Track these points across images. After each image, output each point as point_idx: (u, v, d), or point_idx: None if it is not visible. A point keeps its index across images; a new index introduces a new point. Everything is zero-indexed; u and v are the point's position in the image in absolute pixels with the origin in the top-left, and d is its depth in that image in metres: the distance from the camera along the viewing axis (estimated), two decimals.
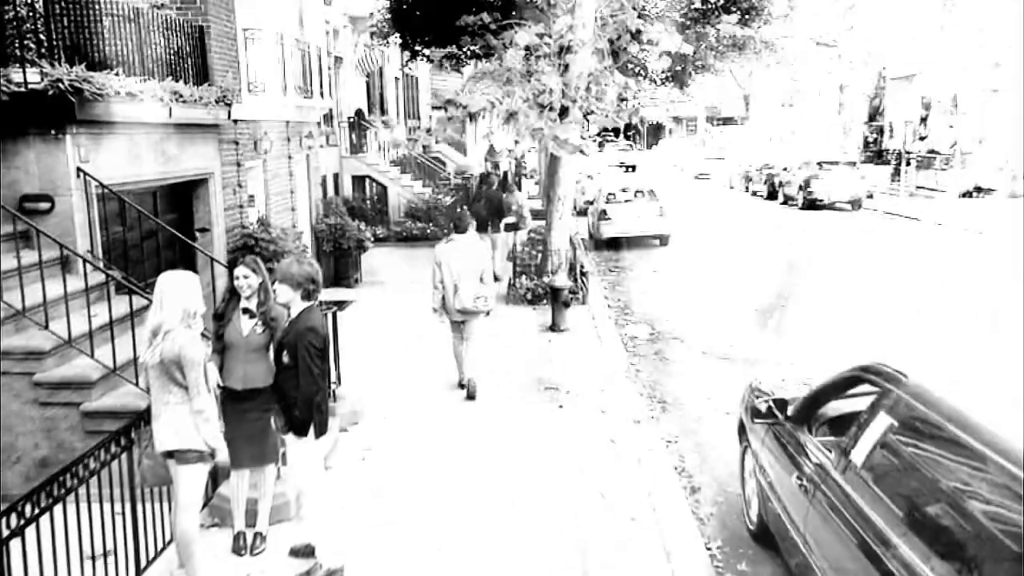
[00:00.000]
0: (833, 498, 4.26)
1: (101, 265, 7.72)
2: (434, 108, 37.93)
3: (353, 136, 24.68)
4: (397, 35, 21.65)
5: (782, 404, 5.27)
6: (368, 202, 24.37)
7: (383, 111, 30.96)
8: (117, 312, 6.55)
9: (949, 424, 3.66)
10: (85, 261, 6.46)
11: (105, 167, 8.02)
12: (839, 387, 4.87)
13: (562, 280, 11.93)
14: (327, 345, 5.30)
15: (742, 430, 6.29)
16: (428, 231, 21.76)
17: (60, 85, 7.12)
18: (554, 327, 12.00)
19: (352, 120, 24.69)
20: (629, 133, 67.43)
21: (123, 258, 8.21)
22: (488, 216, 18.62)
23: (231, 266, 5.61)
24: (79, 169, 7.59)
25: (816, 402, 5.04)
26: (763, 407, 5.42)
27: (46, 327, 6.27)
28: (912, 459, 3.90)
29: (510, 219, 20.74)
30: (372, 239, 16.37)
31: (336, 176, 22.85)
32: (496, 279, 16.81)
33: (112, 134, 8.20)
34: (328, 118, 21.73)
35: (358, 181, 24.42)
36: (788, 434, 5.09)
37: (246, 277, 5.54)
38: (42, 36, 7.51)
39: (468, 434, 7.97)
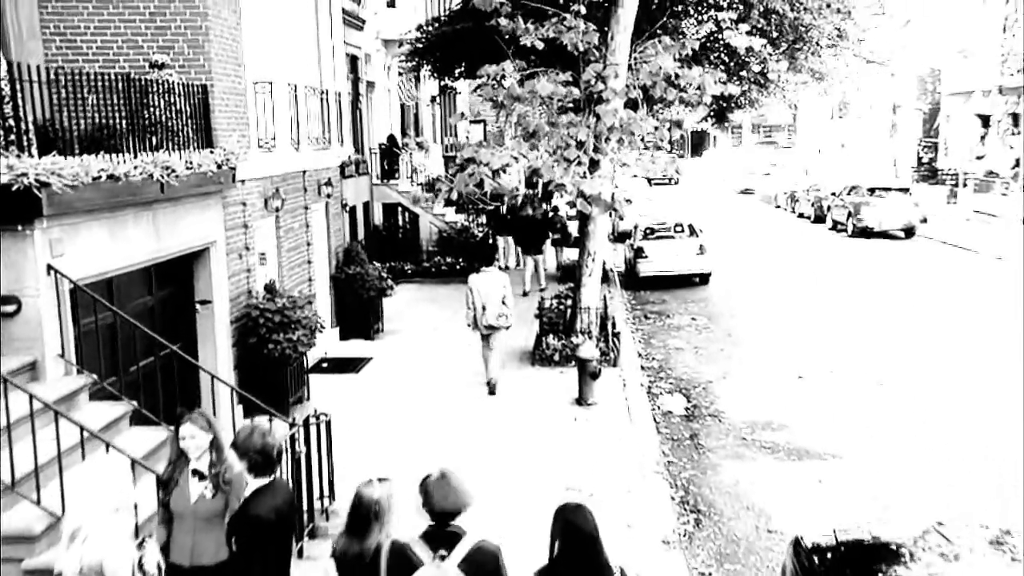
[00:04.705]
0: None
1: (74, 370, 7.10)
2: (472, 123, 37.20)
3: (384, 162, 24.02)
4: (428, 64, 20.99)
5: None
6: (400, 232, 23.65)
7: (417, 132, 30.27)
8: (66, 442, 5.79)
9: None
10: (31, 396, 5.73)
11: (83, 257, 7.34)
12: None
13: (589, 351, 11.01)
14: (287, 529, 4.52)
15: None
16: (459, 265, 20.97)
17: (25, 180, 6.45)
18: (581, 400, 11.11)
19: (383, 147, 24.04)
20: (671, 142, 65.95)
21: (101, 357, 7.53)
22: (531, 240, 19.27)
23: (177, 422, 4.83)
24: (49, 266, 6.92)
25: None
26: None
27: None
28: None
29: (556, 236, 20.98)
30: (393, 285, 15.63)
31: (366, 205, 22.15)
32: (528, 293, 18.20)
33: (92, 220, 7.50)
34: (359, 147, 21.11)
35: (389, 209, 23.76)
36: None
37: (193, 437, 4.68)
38: (11, 122, 6.85)
39: None
